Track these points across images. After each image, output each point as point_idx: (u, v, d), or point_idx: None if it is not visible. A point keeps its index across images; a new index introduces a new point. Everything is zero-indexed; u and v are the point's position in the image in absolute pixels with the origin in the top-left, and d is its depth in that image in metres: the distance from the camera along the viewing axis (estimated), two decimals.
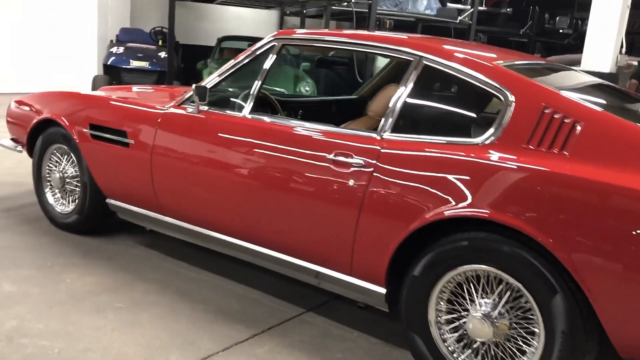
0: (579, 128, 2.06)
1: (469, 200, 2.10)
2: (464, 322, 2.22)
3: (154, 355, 2.40)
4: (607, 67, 6.04)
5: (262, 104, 3.17)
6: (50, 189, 3.75)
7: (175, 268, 3.28)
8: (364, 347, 2.61)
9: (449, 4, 11.37)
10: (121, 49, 9.29)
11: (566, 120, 2.08)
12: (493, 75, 2.26)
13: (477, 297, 2.19)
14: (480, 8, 12.88)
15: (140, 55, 9.16)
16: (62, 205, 3.70)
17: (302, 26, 13.06)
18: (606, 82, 2.92)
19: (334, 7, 9.90)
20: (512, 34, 13.49)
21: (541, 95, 2.16)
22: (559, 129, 2.08)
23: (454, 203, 2.13)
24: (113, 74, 9.13)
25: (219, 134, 2.82)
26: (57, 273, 3.10)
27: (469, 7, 10.78)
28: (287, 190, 2.57)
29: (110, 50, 9.42)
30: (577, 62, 6.44)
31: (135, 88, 4.53)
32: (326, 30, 2.90)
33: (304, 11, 11.93)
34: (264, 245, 2.75)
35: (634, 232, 1.84)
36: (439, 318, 2.28)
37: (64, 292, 2.89)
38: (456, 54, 2.39)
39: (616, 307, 1.90)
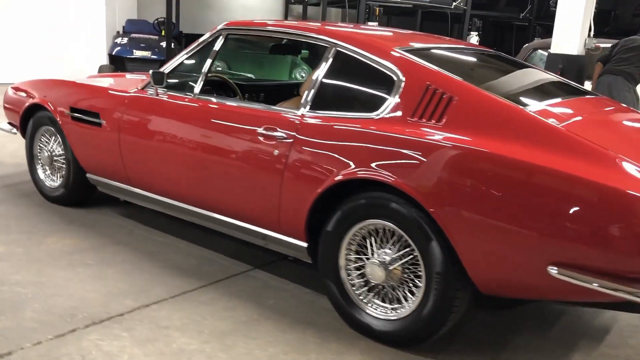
0: (453, 102, 2.42)
1: (362, 164, 2.49)
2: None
3: (111, 300, 2.84)
4: (575, 49, 6.31)
5: (222, 88, 3.57)
6: (41, 166, 4.21)
7: (147, 234, 3.72)
8: (295, 296, 3.01)
9: None
10: (125, 40, 9.77)
11: (444, 96, 2.45)
12: (390, 58, 2.64)
13: (375, 246, 2.57)
14: None
15: (143, 45, 9.64)
16: (51, 181, 4.16)
17: (304, 14, 13.41)
18: (507, 57, 3.29)
19: None
20: (513, 18, 13.65)
21: (426, 75, 2.53)
22: (437, 103, 2.45)
23: (352, 167, 2.52)
24: (118, 63, 9.62)
25: (171, 113, 3.24)
26: (41, 237, 3.56)
27: None
28: (226, 159, 2.98)
29: (115, 41, 9.90)
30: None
31: (127, 75, 4.96)
32: (265, 21, 3.28)
33: (305, 0, 12.28)
34: (212, 209, 3.16)
35: (483, 188, 2.21)
36: (348, 265, 2.67)
37: (44, 252, 3.34)
38: (362, 41, 2.76)
39: (471, 250, 2.27)
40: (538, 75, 3.22)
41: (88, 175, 3.88)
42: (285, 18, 14.42)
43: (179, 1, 12.69)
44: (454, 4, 10.77)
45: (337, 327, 2.71)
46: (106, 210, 4.07)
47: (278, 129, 2.78)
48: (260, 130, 2.84)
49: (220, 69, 7.06)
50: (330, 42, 2.82)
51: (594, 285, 2.02)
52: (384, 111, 2.55)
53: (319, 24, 2.99)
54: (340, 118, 2.65)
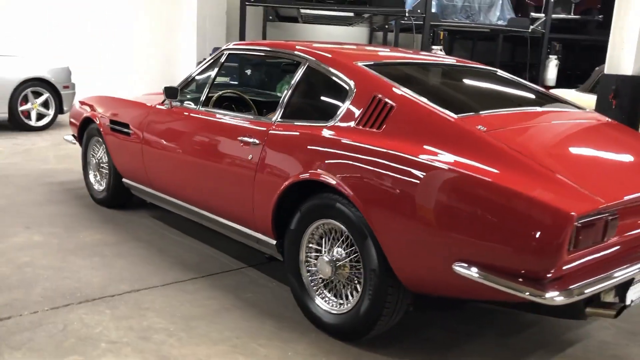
0: (392, 110, 2.60)
1: (312, 168, 2.71)
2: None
3: (109, 285, 3.23)
4: (630, 70, 6.11)
5: (239, 102, 3.94)
6: (92, 172, 4.79)
7: (166, 233, 4.13)
8: (273, 291, 3.26)
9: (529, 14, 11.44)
10: None
11: (386, 105, 2.63)
12: (348, 72, 2.86)
13: (327, 245, 2.77)
14: (568, 16, 12.73)
15: (223, 71, 10.32)
16: (99, 185, 4.72)
17: (384, 40, 13.70)
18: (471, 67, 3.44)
19: (404, 22, 10.48)
20: (602, 41, 13.06)
21: (374, 86, 2.72)
22: (380, 111, 2.64)
23: (303, 170, 2.75)
24: None
25: (177, 123, 3.64)
26: (77, 232, 4.07)
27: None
28: (215, 163, 3.31)
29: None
30: None
31: None
32: (258, 41, 3.62)
33: (386, 26, 12.57)
34: (207, 209, 3.50)
35: (400, 188, 2.36)
36: (307, 261, 2.88)
37: (73, 244, 3.84)
38: (326, 56, 3.01)
39: (393, 247, 2.41)
40: (505, 87, 3.30)
41: (123, 180, 4.38)
42: (370, 44, 14.75)
43: (265, 31, 13.50)
44: (532, 27, 10.58)
45: (296, 319, 2.92)
46: (141, 212, 4.54)
47: (252, 136, 3.08)
48: (240, 137, 3.15)
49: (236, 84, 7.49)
50: (303, 57, 3.10)
51: (490, 283, 2.11)
52: (336, 119, 2.77)
53: (296, 42, 3.27)
54: (300, 126, 2.90)
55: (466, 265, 2.18)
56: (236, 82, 7.29)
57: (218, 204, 3.40)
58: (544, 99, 3.27)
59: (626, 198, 2.19)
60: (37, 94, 8.07)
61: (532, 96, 3.28)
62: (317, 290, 2.84)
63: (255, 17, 13.18)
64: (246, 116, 3.30)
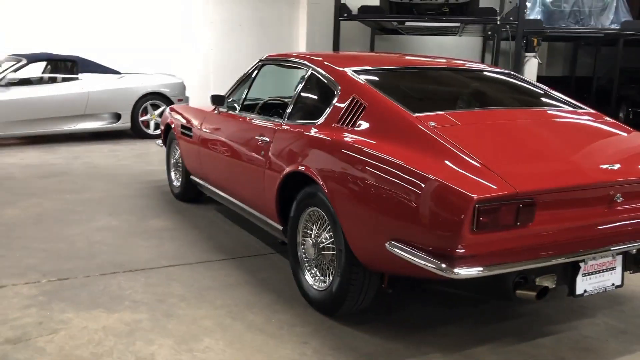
0: (365, 110, 2.92)
1: (301, 161, 3.10)
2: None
3: (152, 260, 3.84)
4: None
5: (273, 107, 4.43)
6: (173, 171, 5.53)
7: (220, 223, 4.71)
8: (287, 274, 3.66)
9: None
10: None
11: (361, 105, 2.96)
12: (336, 76, 3.22)
13: (314, 228, 3.14)
14: None
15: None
16: (177, 182, 5.44)
17: (496, 49, 13.48)
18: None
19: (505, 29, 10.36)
20: None
21: (354, 89, 3.06)
22: (356, 111, 2.97)
23: (295, 163, 3.16)
24: None
25: (220, 126, 4.20)
26: (148, 219, 4.79)
27: None
28: (242, 158, 3.82)
29: None
30: None
31: None
32: (287, 53, 4.05)
33: (495, 35, 12.44)
34: (238, 199, 4.02)
35: (354, 175, 2.68)
36: (303, 242, 3.26)
37: (141, 229, 4.54)
38: (323, 63, 3.38)
39: (348, 227, 2.72)
40: (490, 88, 3.47)
41: (191, 176, 5.04)
42: (483, 54, 14.56)
43: (373, 44, 13.93)
44: None
45: (293, 296, 3.31)
46: (208, 206, 5.17)
47: (265, 135, 3.54)
48: (257, 136, 3.63)
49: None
50: (308, 65, 3.51)
51: (411, 258, 2.36)
52: (322, 118, 3.15)
53: (306, 53, 3.67)
54: (298, 124, 3.31)
55: (396, 243, 2.45)
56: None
57: (244, 194, 3.90)
58: (538, 99, 3.37)
59: (543, 188, 2.34)
60: (156, 106, 9.18)
61: (522, 97, 3.39)
62: (307, 268, 3.22)
63: (364, 31, 13.68)
64: (266, 118, 3.77)
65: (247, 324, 2.98)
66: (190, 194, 5.24)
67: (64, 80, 8.65)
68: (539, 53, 15.58)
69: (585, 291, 2.62)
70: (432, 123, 2.69)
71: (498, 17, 8.77)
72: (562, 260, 2.42)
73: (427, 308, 3.25)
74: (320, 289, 3.07)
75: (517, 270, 2.35)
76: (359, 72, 3.24)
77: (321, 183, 2.89)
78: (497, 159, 2.47)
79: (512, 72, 3.76)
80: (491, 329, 3.03)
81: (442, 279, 2.32)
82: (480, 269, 2.25)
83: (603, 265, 2.65)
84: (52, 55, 8.95)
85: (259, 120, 3.78)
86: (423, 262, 2.30)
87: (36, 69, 8.95)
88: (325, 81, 3.30)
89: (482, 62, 12.83)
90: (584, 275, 2.60)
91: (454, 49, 14.68)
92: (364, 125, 2.89)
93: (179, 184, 5.35)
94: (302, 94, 3.49)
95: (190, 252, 4.01)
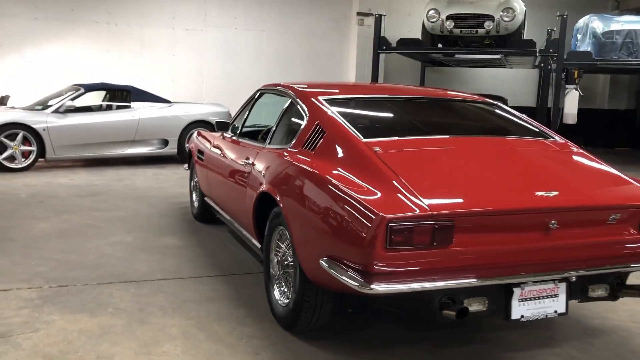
0: (324, 135, 3.10)
1: (268, 182, 3.31)
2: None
3: (151, 273, 4.12)
4: None
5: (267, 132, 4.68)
6: (194, 193, 5.87)
7: (226, 242, 4.95)
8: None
9: None
10: None
11: (321, 131, 3.14)
12: (308, 104, 3.42)
13: (282, 246, 3.31)
14: None
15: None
16: (196, 202, 5.76)
17: (543, 80, 13.23)
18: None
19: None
20: None
21: (319, 116, 3.24)
22: (317, 136, 3.15)
23: (265, 184, 3.36)
24: None
25: (221, 149, 4.48)
26: (160, 236, 5.10)
27: None
28: (234, 180, 4.06)
29: None
30: None
31: None
32: (277, 82, 4.27)
33: (542, 66, 12.25)
34: (232, 218, 4.25)
35: (299, 196, 2.85)
36: (276, 259, 3.43)
37: (152, 244, 4.85)
38: (300, 92, 3.58)
39: (299, 245, 2.88)
40: (453, 117, 3.60)
41: (205, 198, 5.35)
42: (539, 85, 14.26)
43: (423, 76, 14.02)
44: None
45: (265, 311, 3.47)
46: (222, 227, 5.44)
47: (249, 158, 3.77)
48: (244, 158, 3.87)
49: None
50: (289, 94, 3.73)
51: (335, 275, 2.49)
52: (292, 142, 3.35)
53: (289, 83, 3.89)
54: (275, 148, 3.52)
55: (328, 259, 2.59)
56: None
57: (235, 212, 4.14)
58: (505, 129, 3.43)
59: (461, 211, 2.42)
60: None
61: (488, 126, 3.46)
62: (277, 285, 3.38)
63: (415, 64, 13.82)
64: (254, 142, 4.00)
65: (210, 334, 3.17)
66: (206, 214, 5.53)
67: (118, 108, 9.29)
68: (601, 86, 15.20)
69: (522, 316, 2.65)
70: (377, 148, 2.83)
71: (537, 50, 8.71)
72: (484, 283, 2.47)
73: (390, 329, 3.33)
74: (284, 305, 3.23)
75: (436, 289, 2.43)
76: (330, 101, 3.43)
77: (280, 203, 3.08)
78: (426, 182, 2.58)
79: (496, 103, 3.83)
80: (446, 352, 3.07)
81: (362, 295, 2.43)
82: (395, 286, 2.35)
83: (543, 292, 2.67)
84: (108, 85, 9.66)
85: (249, 145, 4.02)
86: (343, 278, 2.43)
87: (96, 98, 9.68)
88: (299, 108, 3.51)
89: (541, 93, 12.62)
90: (522, 300, 2.63)
91: (507, 80, 14.56)
92: (322, 149, 3.07)
93: (197, 205, 5.66)
94: (283, 119, 3.72)
95: (187, 268, 4.27)
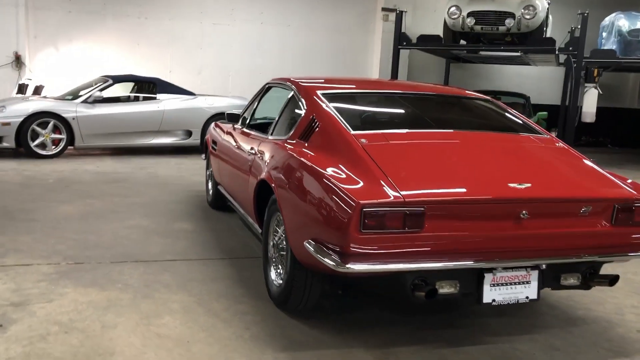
0: (317, 127, 3.30)
1: (266, 170, 3.52)
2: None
3: (161, 254, 4.38)
4: None
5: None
6: (209, 182, 6.13)
7: (235, 228, 5.19)
8: None
9: None
10: None
11: (315, 123, 3.34)
12: (306, 98, 3.62)
13: (279, 231, 3.52)
14: None
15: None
16: (210, 191, 6.03)
17: (569, 77, 13.14)
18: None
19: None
20: None
21: (315, 110, 3.44)
22: (311, 128, 3.35)
23: (264, 172, 3.58)
24: None
25: (231, 140, 4.72)
26: (175, 221, 5.37)
27: None
28: (240, 169, 4.29)
29: None
30: None
31: None
32: (284, 77, 4.46)
33: (565, 65, 12.20)
34: (239, 205, 4.48)
35: (289, 182, 3.05)
36: (272, 242, 3.65)
37: (166, 229, 5.11)
38: (300, 86, 3.78)
39: (289, 229, 3.08)
40: (442, 111, 3.76)
41: (218, 186, 5.60)
42: (565, 81, 14.15)
43: (448, 72, 14.06)
44: None
45: (261, 292, 3.70)
46: (234, 214, 5.70)
47: (254, 147, 4.00)
48: (249, 148, 4.10)
49: None
50: (292, 88, 3.93)
51: (316, 255, 2.69)
52: (289, 135, 3.55)
53: (293, 77, 4.09)
54: (275, 139, 3.74)
55: (311, 241, 2.79)
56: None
57: (240, 200, 4.37)
58: (493, 124, 3.58)
59: (432, 199, 2.59)
60: None
61: (477, 121, 3.61)
62: (273, 266, 3.60)
63: (440, 60, 13.88)
64: (259, 133, 4.23)
65: (208, 309, 3.41)
66: (219, 202, 5.78)
67: (144, 99, 9.63)
68: (631, 85, 14.98)
69: (494, 300, 2.81)
70: (363, 140, 3.02)
71: (557, 47, 8.73)
72: (453, 266, 2.64)
73: (378, 312, 3.51)
74: (277, 285, 3.44)
75: (407, 270, 2.61)
76: (327, 95, 3.62)
77: (274, 190, 3.29)
78: (403, 172, 2.75)
79: (491, 100, 3.97)
80: (427, 334, 3.25)
81: (340, 274, 2.63)
82: (369, 266, 2.55)
83: (515, 278, 2.83)
84: (135, 77, 10.02)
85: (254, 135, 4.25)
86: (322, 257, 2.63)
87: (124, 89, 10.05)
88: (299, 102, 3.71)
89: (566, 91, 12.55)
90: (493, 285, 2.80)
91: (533, 78, 14.51)
92: (315, 140, 3.27)
93: (211, 192, 5.92)
94: (284, 112, 3.93)
95: (195, 251, 4.52)
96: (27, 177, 7.21)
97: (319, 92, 3.64)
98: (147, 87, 9.84)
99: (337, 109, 3.43)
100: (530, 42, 9.15)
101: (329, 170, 2.83)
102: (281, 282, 3.39)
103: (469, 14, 9.57)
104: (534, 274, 2.86)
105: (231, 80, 12.73)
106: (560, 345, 3.20)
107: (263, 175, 3.55)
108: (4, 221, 5.12)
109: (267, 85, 4.68)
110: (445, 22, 9.99)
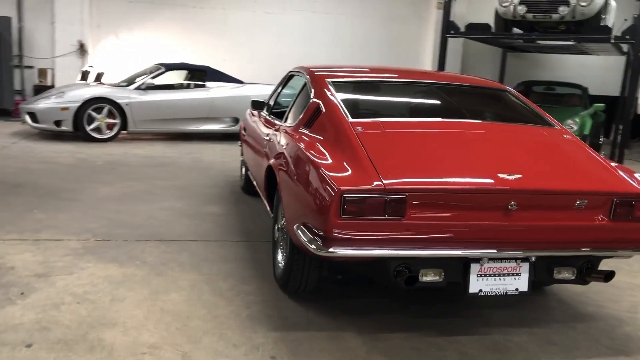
0: (320, 114, 3.37)
1: (274, 156, 3.63)
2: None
3: (184, 234, 4.58)
4: None
5: None
6: (242, 167, 6.31)
7: (261, 213, 5.33)
8: None
9: None
10: None
11: (319, 110, 3.41)
12: (315, 85, 3.68)
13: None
14: None
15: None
16: (243, 177, 6.20)
17: (628, 66, 12.53)
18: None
19: None
20: None
21: (321, 97, 3.50)
22: (316, 115, 3.43)
23: (271, 158, 3.68)
24: None
25: (255, 127, 4.86)
26: (206, 204, 5.57)
27: None
28: (258, 154, 4.42)
29: None
30: None
31: None
32: (305, 65, 4.53)
33: (628, 54, 11.63)
34: (259, 188, 4.62)
35: (287, 168, 3.14)
36: (277, 225, 3.76)
37: (194, 211, 5.33)
38: (312, 74, 3.84)
39: (287, 213, 3.17)
40: (449, 101, 3.73)
41: (248, 171, 5.76)
42: (625, 72, 13.49)
43: (504, 62, 13.70)
44: None
45: (269, 273, 3.82)
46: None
47: (269, 134, 4.11)
48: (266, 135, 4.22)
49: None
50: (305, 76, 4.01)
51: (302, 239, 2.77)
52: (297, 122, 3.64)
53: (308, 65, 4.16)
54: (287, 126, 3.84)
55: (300, 226, 2.87)
56: None
57: (259, 184, 4.50)
58: (504, 114, 3.53)
59: (414, 187, 2.61)
60: None
61: (488, 111, 3.56)
62: (280, 249, 3.71)
63: (496, 50, 13.53)
64: (276, 121, 4.33)
65: (213, 288, 3.56)
66: (250, 187, 5.94)
67: (195, 86, 9.94)
68: None
69: (480, 291, 2.81)
70: (359, 128, 3.07)
71: (612, 36, 8.36)
72: (434, 254, 2.66)
73: (377, 299, 3.56)
74: (281, 267, 3.56)
75: (388, 257, 2.65)
76: (336, 83, 3.67)
77: (277, 175, 3.39)
78: (391, 160, 2.78)
79: (506, 89, 3.91)
80: (422, 322, 3.28)
81: (323, 258, 2.70)
82: (349, 251, 2.61)
83: (504, 270, 2.82)
84: (186, 65, 10.35)
85: (272, 122, 4.36)
86: (305, 241, 2.71)
87: (177, 77, 10.40)
88: (309, 89, 3.79)
89: (626, 82, 11.99)
90: (480, 275, 2.80)
91: (595, 68, 13.90)
92: (316, 127, 3.34)
93: (243, 178, 6.10)
94: (297, 100, 4.01)
95: (217, 233, 4.70)
96: (78, 159, 7.63)
97: (328, 80, 3.70)
98: (198, 75, 10.14)
99: (343, 97, 3.49)
100: (583, 31, 8.80)
101: (319, 157, 2.90)
102: (283, 266, 3.49)
103: (521, 2, 9.29)
104: (525, 266, 2.84)
105: (282, 69, 12.86)
106: (559, 340, 3.15)
107: (271, 161, 3.66)
108: (48, 199, 5.47)
109: (289, 73, 4.77)
110: (496, 11, 9.75)
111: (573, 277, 2.93)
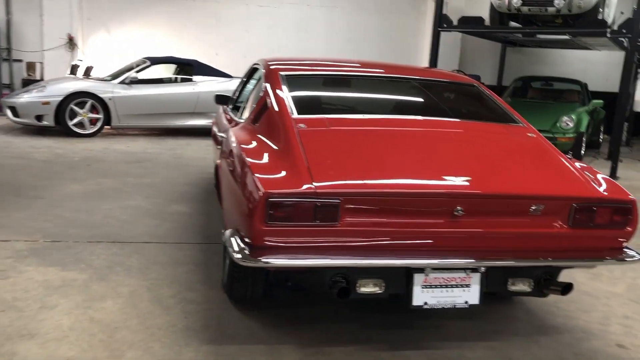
0: (267, 110, 3.13)
1: (219, 155, 3.40)
2: None
3: (140, 235, 4.37)
4: None
5: None
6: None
7: None
8: None
9: None
10: None
11: (268, 105, 3.17)
12: (267, 81, 3.43)
13: None
14: None
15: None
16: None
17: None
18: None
19: None
20: None
21: (268, 91, 3.27)
22: (263, 110, 3.19)
23: (220, 155, 3.46)
24: None
25: (217, 122, 4.63)
26: (173, 203, 5.36)
27: None
28: (217, 151, 4.19)
29: None
30: None
31: None
32: (265, 58, 4.28)
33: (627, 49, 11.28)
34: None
35: (228, 170, 2.91)
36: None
37: (157, 210, 5.11)
38: (267, 67, 3.60)
39: (225, 212, 2.96)
40: (406, 96, 3.55)
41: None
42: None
43: (504, 57, 13.38)
44: None
45: (218, 280, 3.60)
46: None
47: (226, 131, 3.88)
48: (223, 132, 3.99)
49: None
50: (262, 69, 3.76)
51: (230, 247, 2.54)
52: (247, 117, 3.41)
53: (270, 59, 3.91)
54: (241, 121, 3.61)
55: (231, 231, 2.64)
56: None
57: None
58: (462, 111, 3.28)
59: (347, 191, 2.37)
60: None
61: (446, 107, 3.31)
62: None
63: (495, 44, 13.21)
64: (234, 116, 4.10)
65: (154, 295, 3.34)
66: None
67: (183, 80, 9.73)
68: None
69: (425, 303, 2.57)
70: (301, 125, 2.83)
71: (608, 30, 8.04)
72: (370, 264, 2.42)
73: (329, 307, 3.31)
74: (227, 273, 3.33)
75: (320, 266, 2.41)
76: (289, 77, 3.43)
77: (219, 175, 3.17)
78: (328, 161, 2.55)
79: (475, 85, 3.65)
80: (372, 333, 3.04)
81: (248, 268, 2.47)
82: (279, 259, 2.37)
83: (452, 280, 2.58)
84: (173, 59, 10.13)
85: (230, 117, 4.14)
86: (232, 251, 2.48)
87: (166, 71, 10.19)
88: (262, 84, 3.55)
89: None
90: (425, 286, 2.56)
91: (597, 64, 13.55)
92: (261, 123, 3.11)
93: (214, 175, 5.88)
94: (252, 94, 3.78)
95: (176, 234, 4.48)
96: (55, 155, 7.43)
97: (281, 74, 3.46)
98: (185, 68, 9.93)
99: (293, 92, 3.25)
100: (579, 24, 8.48)
101: (253, 157, 2.67)
102: None
103: None
104: (475, 277, 2.59)
105: None
106: (518, 356, 2.91)
107: (217, 160, 3.43)
108: (9, 197, 5.28)
109: (252, 66, 4.54)
110: (491, 4, 9.43)
111: (530, 290, 2.68)
